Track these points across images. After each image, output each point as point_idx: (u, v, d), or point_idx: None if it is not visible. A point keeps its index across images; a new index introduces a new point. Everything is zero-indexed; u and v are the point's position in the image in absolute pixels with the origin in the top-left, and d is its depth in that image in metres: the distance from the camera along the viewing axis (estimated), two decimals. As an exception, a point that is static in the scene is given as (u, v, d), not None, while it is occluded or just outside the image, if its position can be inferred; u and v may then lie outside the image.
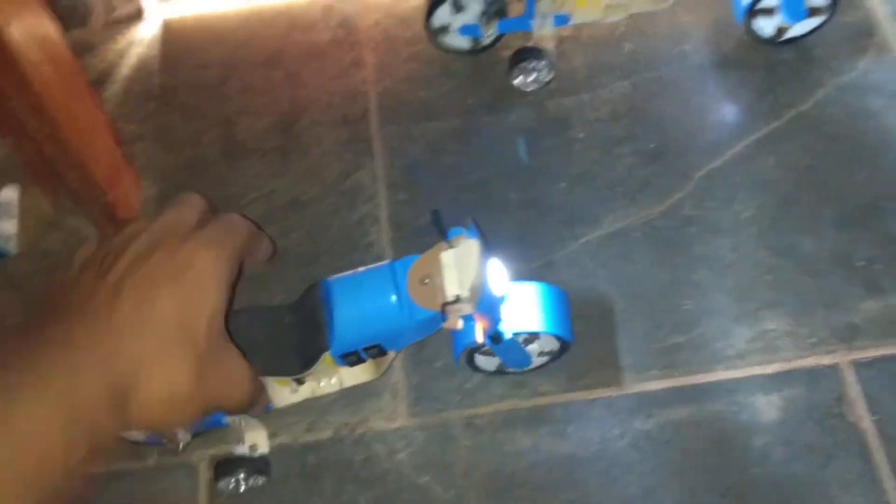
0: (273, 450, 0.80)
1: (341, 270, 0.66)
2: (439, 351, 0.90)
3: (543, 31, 1.03)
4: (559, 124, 1.06)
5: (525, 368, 0.86)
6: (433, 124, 1.07)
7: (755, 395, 0.85)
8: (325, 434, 0.88)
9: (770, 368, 0.86)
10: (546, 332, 0.78)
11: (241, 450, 0.78)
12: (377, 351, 0.67)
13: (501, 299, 0.72)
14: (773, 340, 0.87)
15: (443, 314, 0.62)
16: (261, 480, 0.80)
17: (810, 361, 0.86)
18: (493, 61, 1.10)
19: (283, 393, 0.73)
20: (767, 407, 0.84)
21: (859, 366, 0.85)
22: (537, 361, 0.86)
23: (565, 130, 1.05)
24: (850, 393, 0.84)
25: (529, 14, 1.03)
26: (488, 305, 0.69)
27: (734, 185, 0.99)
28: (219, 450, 0.85)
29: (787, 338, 0.88)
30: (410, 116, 1.09)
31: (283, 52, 1.17)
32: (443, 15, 1.05)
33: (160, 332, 0.41)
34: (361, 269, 0.67)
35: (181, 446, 0.79)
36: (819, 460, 0.81)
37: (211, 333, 0.43)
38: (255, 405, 0.54)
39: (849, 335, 0.87)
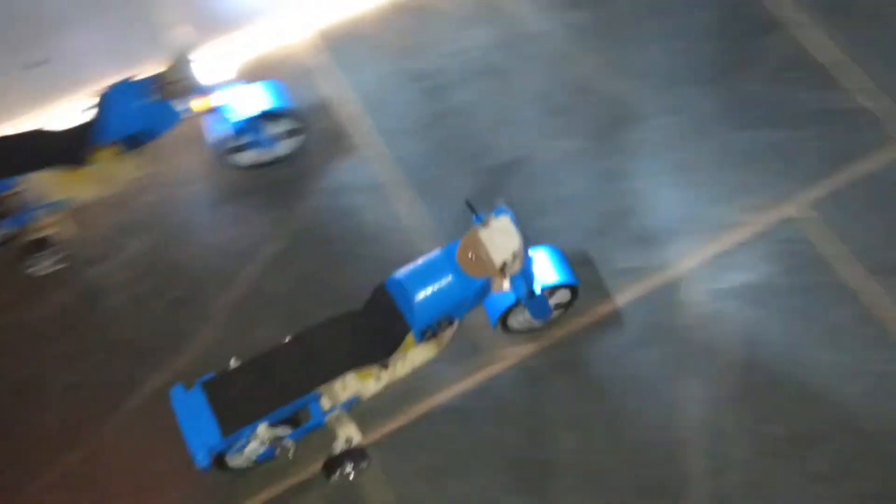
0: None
1: None
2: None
3: (44, 223, 1.07)
4: (91, 295, 1.10)
5: (548, 319, 1.08)
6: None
7: None
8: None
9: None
10: (565, 283, 1.02)
11: (340, 445, 1.00)
12: (447, 322, 0.94)
13: (531, 261, 0.95)
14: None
15: (491, 280, 0.92)
16: (364, 465, 1.00)
17: None
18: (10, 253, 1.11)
19: (368, 385, 0.96)
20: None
21: (373, 450, 1.05)
22: (556, 313, 1.09)
23: (103, 300, 1.10)
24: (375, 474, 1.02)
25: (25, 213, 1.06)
26: (526, 265, 0.93)
27: (255, 316, 1.11)
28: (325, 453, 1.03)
29: None
30: None
31: None
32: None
33: None
34: (419, 260, 0.94)
35: (290, 452, 0.98)
36: None
37: None
38: None
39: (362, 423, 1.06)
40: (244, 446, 0.94)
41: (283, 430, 0.99)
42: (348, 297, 1.08)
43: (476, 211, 0.93)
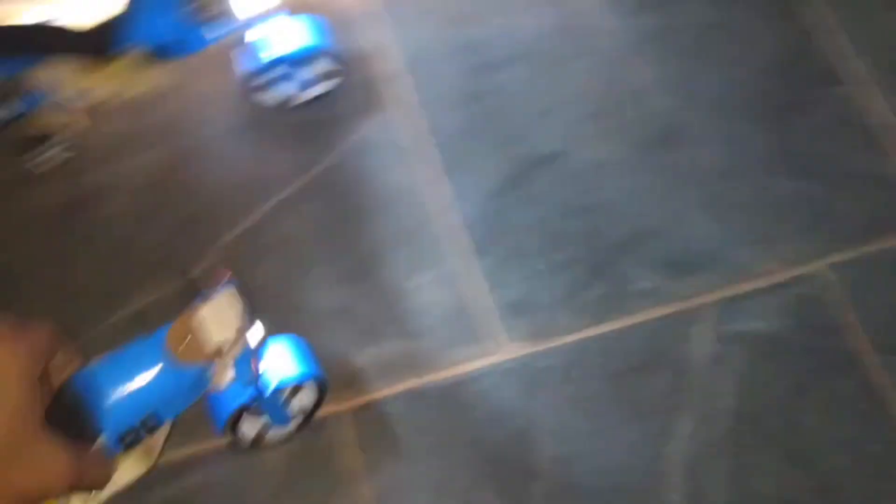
0: None
1: None
2: None
3: (53, 116, 1.03)
4: (93, 197, 1.06)
5: (286, 427, 0.92)
6: None
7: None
8: None
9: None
10: (305, 377, 0.87)
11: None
12: (154, 422, 0.68)
13: (265, 345, 0.76)
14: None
15: (209, 368, 0.67)
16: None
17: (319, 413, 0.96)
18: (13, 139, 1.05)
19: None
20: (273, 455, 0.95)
21: (359, 411, 0.99)
22: (295, 421, 0.93)
23: (100, 203, 1.06)
24: (346, 438, 0.97)
25: (35, 97, 1.01)
26: (256, 353, 0.74)
27: (261, 248, 1.06)
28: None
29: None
30: None
31: None
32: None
33: None
34: (117, 350, 0.67)
35: None
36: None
37: (13, 431, 0.44)
38: (93, 482, 0.53)
39: (347, 383, 1.00)
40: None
41: None
42: (356, 252, 1.06)
43: (200, 287, 0.72)
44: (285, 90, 1.09)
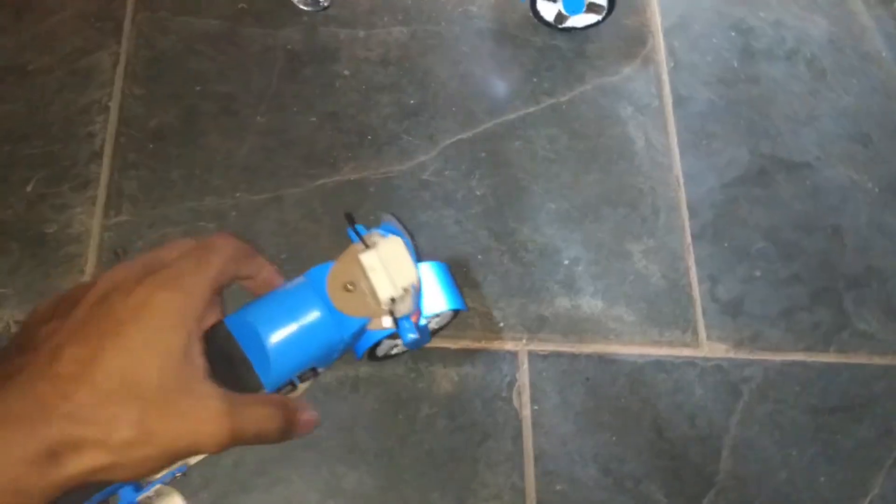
0: None
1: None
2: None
3: None
4: (326, 55, 1.00)
5: (423, 345, 0.89)
6: (194, 21, 0.98)
7: (435, 366, 0.89)
8: None
9: (457, 344, 0.91)
10: (451, 309, 0.82)
11: None
12: (311, 373, 0.59)
13: (421, 290, 0.64)
14: (465, 318, 0.91)
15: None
16: None
17: (495, 345, 0.92)
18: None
19: None
20: (444, 380, 0.89)
21: (535, 357, 0.91)
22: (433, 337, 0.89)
23: (331, 63, 1.00)
24: (521, 380, 0.90)
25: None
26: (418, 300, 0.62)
27: (476, 161, 0.99)
28: None
29: (480, 318, 0.92)
30: (172, 5, 0.98)
31: None
32: None
33: (99, 390, 0.39)
34: (272, 292, 0.56)
35: None
36: (476, 437, 0.88)
37: (164, 381, 0.41)
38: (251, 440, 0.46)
39: (535, 326, 0.93)
40: None
41: None
42: (573, 197, 0.99)
43: (355, 223, 0.66)
44: (559, 9, 1.02)
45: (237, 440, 0.46)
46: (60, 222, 0.86)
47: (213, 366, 0.56)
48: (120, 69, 0.92)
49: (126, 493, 0.70)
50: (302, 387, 0.67)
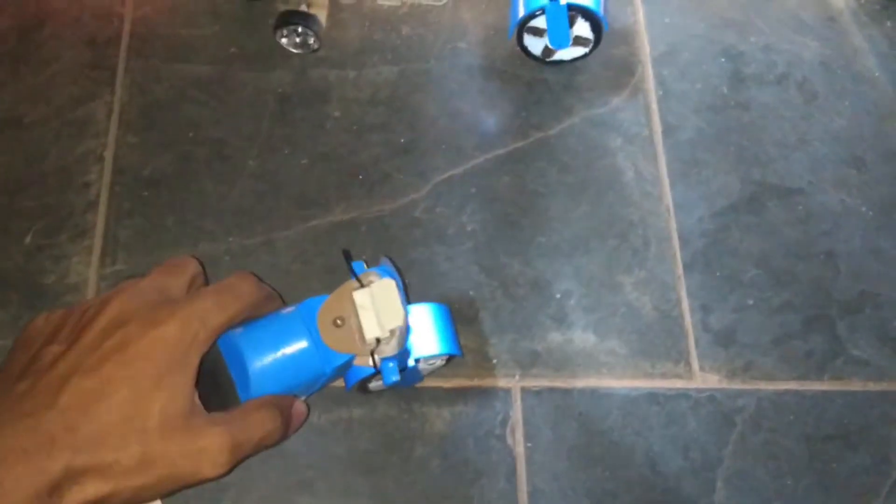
0: None
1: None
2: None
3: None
4: (317, 96, 1.01)
5: (416, 384, 0.89)
6: (185, 67, 1.00)
7: (428, 406, 0.90)
8: None
9: (450, 383, 0.91)
10: (443, 354, 0.81)
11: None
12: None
13: (410, 332, 0.70)
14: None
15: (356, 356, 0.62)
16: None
17: (488, 382, 0.92)
18: (268, 12, 1.01)
19: None
20: (437, 419, 0.90)
21: (528, 393, 0.92)
22: (427, 375, 0.89)
23: (321, 105, 1.01)
24: (514, 417, 0.91)
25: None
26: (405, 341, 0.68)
27: (466, 196, 1.00)
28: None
29: (472, 355, 0.93)
30: (163, 53, 1.00)
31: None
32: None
33: (103, 422, 0.40)
34: (264, 317, 0.61)
35: None
36: (470, 476, 0.88)
37: (167, 417, 0.42)
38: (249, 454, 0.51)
39: (528, 362, 0.93)
40: None
41: None
42: (561, 230, 0.99)
43: (352, 260, 0.66)
44: (544, 41, 1.02)
45: (238, 454, 0.48)
46: (58, 272, 0.88)
47: (199, 379, 0.55)
48: (114, 118, 0.94)
49: None
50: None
